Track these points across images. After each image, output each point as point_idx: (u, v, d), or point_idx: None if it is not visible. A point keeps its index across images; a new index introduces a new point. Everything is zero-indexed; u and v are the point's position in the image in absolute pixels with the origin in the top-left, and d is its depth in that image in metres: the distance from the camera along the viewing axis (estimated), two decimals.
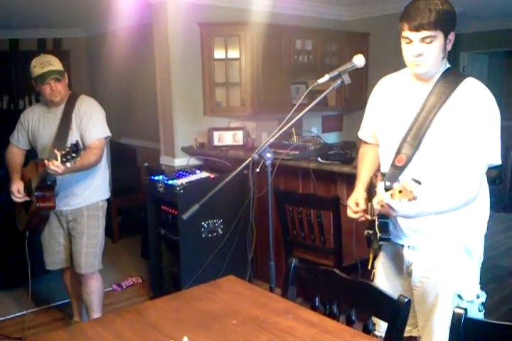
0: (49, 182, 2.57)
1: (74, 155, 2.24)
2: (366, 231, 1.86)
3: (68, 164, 2.26)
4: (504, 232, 4.97)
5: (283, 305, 1.58)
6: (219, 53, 4.04)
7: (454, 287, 1.76)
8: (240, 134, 3.95)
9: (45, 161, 2.31)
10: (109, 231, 3.40)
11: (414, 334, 1.93)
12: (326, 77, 1.81)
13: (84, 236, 2.79)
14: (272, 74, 4.16)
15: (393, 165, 1.76)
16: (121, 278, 3.84)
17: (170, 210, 3.19)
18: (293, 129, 3.53)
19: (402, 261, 1.85)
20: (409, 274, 1.84)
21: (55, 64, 2.63)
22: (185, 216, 1.86)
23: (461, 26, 5.86)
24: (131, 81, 5.38)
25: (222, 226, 3.23)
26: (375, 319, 1.64)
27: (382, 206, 1.56)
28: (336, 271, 1.65)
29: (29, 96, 6.22)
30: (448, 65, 1.75)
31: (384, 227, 1.73)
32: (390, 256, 1.92)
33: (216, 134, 3.94)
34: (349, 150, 3.26)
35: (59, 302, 3.36)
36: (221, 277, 1.87)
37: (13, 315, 3.30)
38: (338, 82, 1.81)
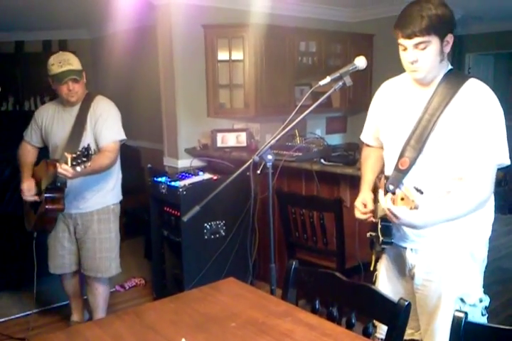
0: (59, 184, 2.52)
1: (84, 159, 2.17)
2: (369, 234, 1.86)
3: (78, 168, 2.19)
4: (509, 234, 4.94)
5: (283, 308, 1.58)
6: (223, 55, 4.04)
7: (457, 291, 1.75)
8: (243, 136, 3.95)
9: (57, 164, 2.27)
10: None
11: (416, 337, 1.92)
12: (328, 79, 1.81)
13: (96, 242, 2.76)
14: (275, 76, 4.15)
15: (396, 168, 1.75)
16: (124, 279, 3.84)
17: (172, 212, 3.19)
18: (296, 131, 3.53)
19: (405, 264, 1.85)
20: (412, 277, 1.83)
21: (73, 63, 2.57)
22: (185, 218, 1.86)
23: (466, 28, 5.86)
24: (135, 82, 5.39)
25: (224, 227, 3.23)
26: (376, 321, 1.63)
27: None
28: (336, 273, 1.65)
29: (34, 97, 6.27)
30: (450, 67, 1.74)
31: (387, 231, 1.72)
32: (392, 259, 1.91)
33: (219, 136, 3.94)
34: (352, 152, 3.25)
35: (64, 303, 3.36)
36: (224, 278, 1.87)
37: (17, 316, 3.30)
38: (340, 83, 1.81)
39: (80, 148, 2.22)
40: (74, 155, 2.18)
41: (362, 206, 1.84)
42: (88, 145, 2.23)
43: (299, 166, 3.21)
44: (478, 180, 1.64)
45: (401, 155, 1.74)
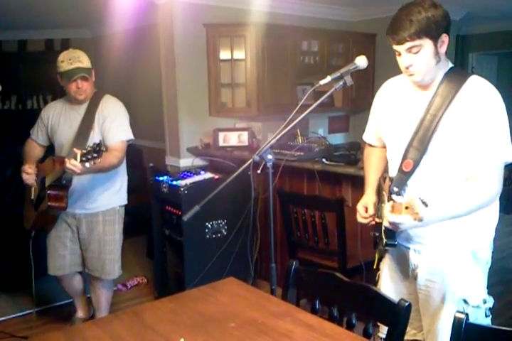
0: (64, 182, 2.47)
1: (95, 155, 2.13)
2: (372, 233, 1.85)
3: (87, 164, 2.16)
4: None
5: (282, 308, 1.57)
6: (225, 54, 4.03)
7: (460, 292, 1.74)
8: (245, 135, 3.94)
9: (65, 159, 2.22)
10: None
11: (419, 337, 1.91)
12: (328, 79, 1.80)
13: (100, 243, 2.74)
14: (277, 75, 4.15)
15: (400, 170, 1.74)
16: (126, 278, 3.84)
17: (174, 211, 3.19)
18: (298, 130, 3.52)
19: (408, 264, 1.83)
20: (415, 277, 1.82)
21: (83, 61, 2.55)
22: (185, 217, 1.86)
23: (470, 27, 5.84)
24: (138, 81, 5.39)
25: (226, 227, 3.23)
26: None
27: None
28: (337, 274, 1.64)
29: (37, 96, 6.27)
30: (451, 65, 1.73)
31: (391, 233, 1.71)
32: (395, 259, 1.90)
33: (221, 135, 3.93)
34: (355, 152, 3.25)
35: (66, 301, 3.36)
36: (225, 277, 1.86)
37: (19, 314, 3.31)
38: (340, 83, 1.80)
39: (91, 144, 2.18)
40: (84, 151, 2.15)
41: (363, 210, 1.83)
42: (100, 141, 2.19)
43: (301, 166, 3.21)
44: (486, 177, 1.61)
45: (404, 157, 1.73)
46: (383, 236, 1.72)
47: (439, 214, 1.58)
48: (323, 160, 3.11)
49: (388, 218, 1.50)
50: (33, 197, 2.70)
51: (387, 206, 1.52)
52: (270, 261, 1.94)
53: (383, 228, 1.71)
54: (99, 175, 2.60)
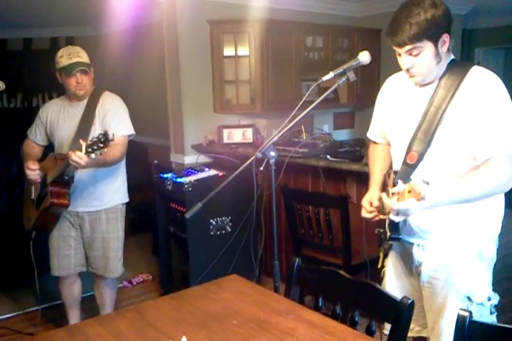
0: (66, 177, 2.44)
1: (101, 145, 2.10)
2: (377, 230, 1.84)
3: (93, 155, 2.13)
4: None
5: (285, 305, 1.57)
6: (228, 50, 4.02)
7: (464, 289, 1.72)
8: (249, 132, 3.93)
9: (70, 152, 2.19)
10: None
11: (424, 334, 1.90)
12: (331, 74, 1.79)
13: (104, 241, 2.74)
14: (282, 71, 4.13)
15: (405, 163, 1.73)
16: (131, 275, 3.86)
17: (178, 208, 3.19)
18: (302, 127, 3.51)
19: (412, 261, 1.83)
20: (419, 274, 1.81)
21: (83, 56, 2.56)
22: (188, 215, 1.86)
23: (476, 22, 5.79)
24: (142, 78, 5.39)
25: (230, 223, 3.23)
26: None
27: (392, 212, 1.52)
28: (340, 271, 1.63)
29: (42, 94, 6.30)
30: (452, 57, 1.71)
31: (394, 226, 1.70)
32: (400, 255, 1.90)
33: (226, 132, 3.93)
34: (359, 148, 3.23)
35: None
36: (230, 274, 1.86)
37: (25, 311, 3.34)
38: (343, 79, 1.78)
39: (97, 135, 2.15)
40: (90, 142, 2.13)
41: (368, 205, 1.82)
42: (106, 131, 2.16)
43: (305, 162, 3.19)
44: (497, 162, 1.57)
45: (409, 150, 1.71)
46: (387, 230, 1.71)
47: (448, 195, 1.54)
48: (328, 156, 3.09)
49: (394, 208, 1.47)
50: (33, 196, 2.68)
51: (393, 200, 1.50)
52: (273, 258, 1.93)
53: (387, 221, 1.70)
54: (100, 171, 2.59)
